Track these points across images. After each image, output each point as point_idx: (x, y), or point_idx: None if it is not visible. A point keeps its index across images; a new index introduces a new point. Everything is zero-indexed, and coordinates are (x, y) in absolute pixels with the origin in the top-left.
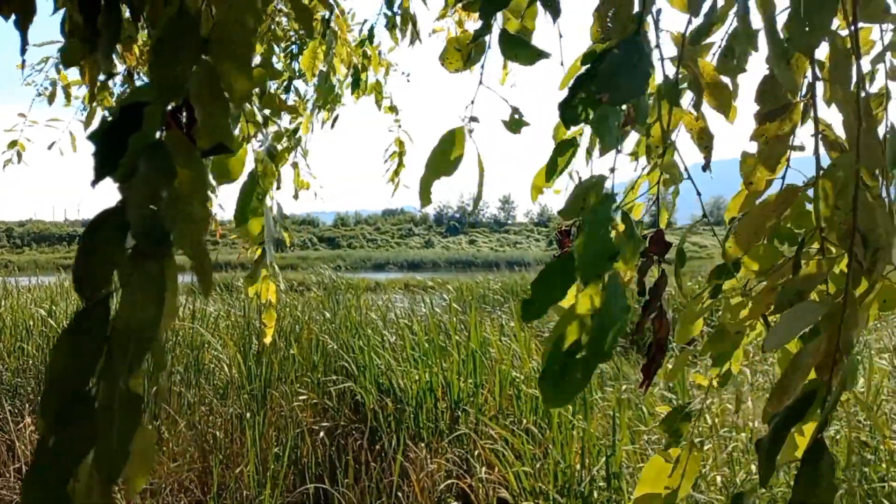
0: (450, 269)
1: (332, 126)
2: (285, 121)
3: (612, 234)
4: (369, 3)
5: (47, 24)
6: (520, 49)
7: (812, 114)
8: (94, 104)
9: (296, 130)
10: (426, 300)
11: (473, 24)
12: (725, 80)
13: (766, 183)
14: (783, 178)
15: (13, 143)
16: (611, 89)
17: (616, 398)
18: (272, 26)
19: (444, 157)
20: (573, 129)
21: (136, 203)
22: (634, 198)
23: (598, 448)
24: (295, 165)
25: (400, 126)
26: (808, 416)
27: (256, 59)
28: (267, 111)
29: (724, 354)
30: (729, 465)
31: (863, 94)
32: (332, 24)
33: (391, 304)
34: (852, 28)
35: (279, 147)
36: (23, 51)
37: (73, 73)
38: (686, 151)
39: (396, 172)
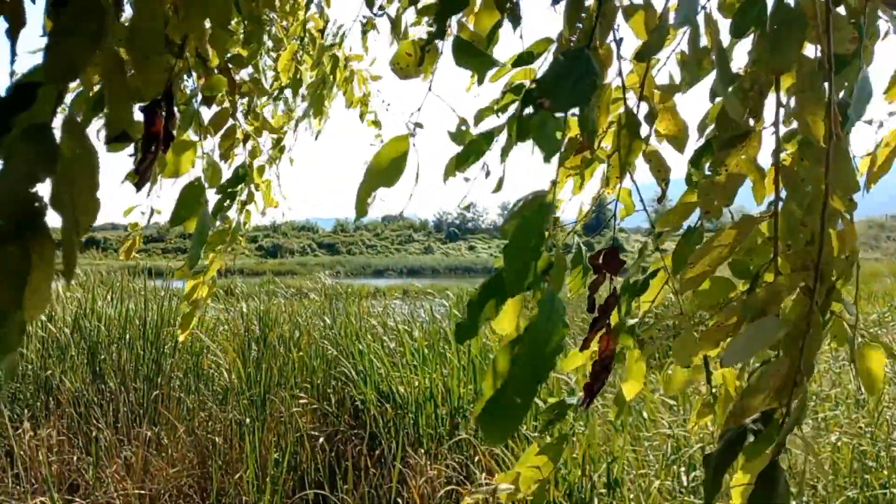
0: (449, 275)
1: (316, 138)
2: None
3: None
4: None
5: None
6: (472, 57)
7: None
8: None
9: (280, 140)
10: (426, 306)
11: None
12: (681, 114)
13: (719, 210)
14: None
15: None
16: (552, 96)
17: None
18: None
19: (385, 167)
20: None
21: (8, 185)
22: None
23: (599, 454)
24: (267, 183)
25: (382, 141)
26: (762, 438)
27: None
28: (250, 127)
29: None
30: (730, 472)
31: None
32: (310, 27)
33: (391, 310)
34: (826, 52)
35: (255, 164)
36: (12, 61)
37: None
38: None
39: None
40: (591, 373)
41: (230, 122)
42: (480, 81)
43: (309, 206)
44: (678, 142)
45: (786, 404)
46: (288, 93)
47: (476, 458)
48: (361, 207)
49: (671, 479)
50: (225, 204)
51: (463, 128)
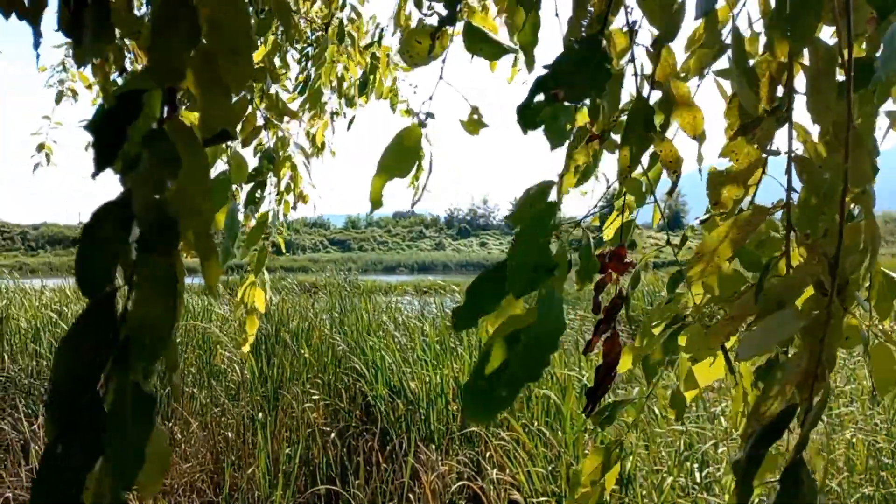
0: (461, 272)
1: (348, 128)
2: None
3: (554, 245)
4: (385, 8)
5: None
6: (484, 43)
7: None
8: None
9: (314, 137)
10: (437, 302)
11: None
12: (698, 101)
13: (732, 202)
14: (752, 197)
15: (41, 147)
16: (566, 86)
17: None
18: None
19: (398, 157)
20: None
21: (141, 194)
22: (619, 221)
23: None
24: (295, 175)
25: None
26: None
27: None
28: (268, 114)
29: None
30: (714, 463)
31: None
32: (349, 28)
33: (402, 306)
34: (846, 43)
35: (281, 154)
36: (36, 44)
37: (89, 73)
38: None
39: (416, 177)
40: (595, 377)
41: (248, 108)
42: (531, 67)
43: (320, 202)
44: (694, 131)
45: (807, 399)
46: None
47: (487, 454)
48: (376, 199)
49: (684, 476)
50: (257, 194)
51: (475, 116)
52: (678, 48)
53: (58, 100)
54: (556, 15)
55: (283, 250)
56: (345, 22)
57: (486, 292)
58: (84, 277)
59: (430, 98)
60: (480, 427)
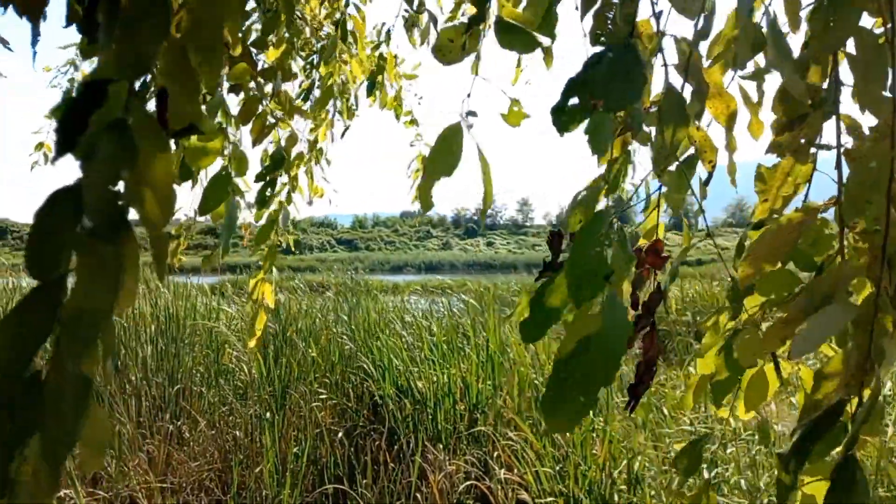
0: (468, 272)
1: (342, 136)
2: (303, 127)
3: (608, 251)
4: (388, 7)
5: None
6: (516, 36)
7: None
8: None
9: (317, 141)
10: (444, 302)
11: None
12: (729, 89)
13: (783, 200)
14: (806, 195)
15: (40, 146)
16: (605, 96)
17: None
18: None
19: (443, 158)
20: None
21: (93, 183)
22: (656, 216)
23: (619, 450)
24: (309, 172)
25: (421, 139)
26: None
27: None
28: (279, 113)
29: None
30: (752, 469)
31: None
32: (349, 26)
33: (409, 305)
34: (888, 25)
35: (294, 152)
36: (34, 41)
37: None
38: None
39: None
40: (636, 373)
41: (259, 108)
42: (550, 64)
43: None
44: (727, 121)
45: (857, 395)
46: (317, 92)
47: (495, 454)
48: (426, 201)
49: (693, 477)
50: (267, 192)
51: (515, 108)
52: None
53: (68, 94)
54: (577, 8)
55: (293, 249)
56: (348, 23)
57: (551, 303)
58: (33, 260)
59: (469, 96)
60: (488, 427)
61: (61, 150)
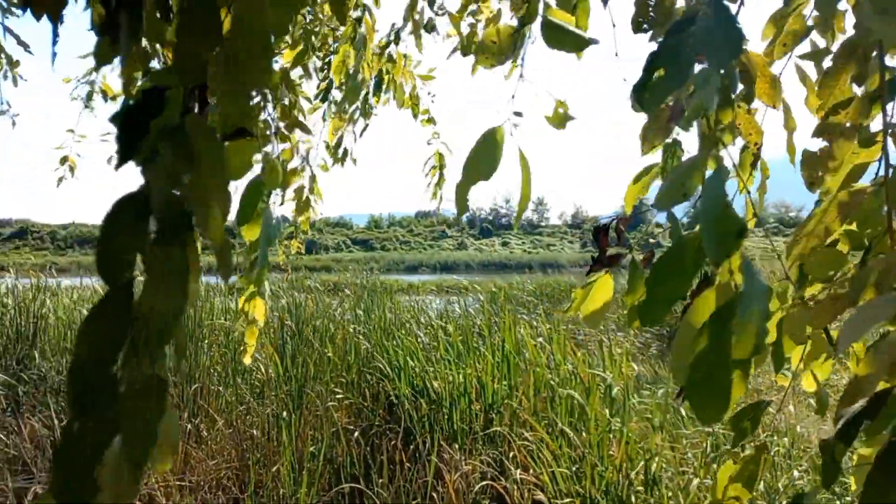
0: (483, 272)
1: (361, 135)
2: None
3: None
4: (395, 9)
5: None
6: (565, 37)
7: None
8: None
9: (339, 144)
10: (460, 302)
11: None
12: (775, 71)
13: (842, 179)
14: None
15: (64, 160)
16: (707, 49)
17: (654, 402)
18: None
19: (483, 161)
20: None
21: (158, 187)
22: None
23: (636, 451)
24: (313, 187)
25: (438, 138)
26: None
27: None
28: (282, 124)
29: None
30: (770, 470)
31: None
32: (362, 28)
33: (425, 305)
34: None
35: (289, 166)
36: (54, 42)
37: (113, 81)
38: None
39: (439, 185)
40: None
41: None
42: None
43: (343, 202)
44: (772, 101)
45: None
46: (336, 94)
47: (511, 454)
48: (462, 203)
49: (711, 478)
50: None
51: (560, 110)
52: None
53: (88, 98)
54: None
55: (289, 257)
56: (359, 25)
57: (673, 278)
58: (103, 266)
59: (513, 97)
60: (503, 427)
61: (123, 157)
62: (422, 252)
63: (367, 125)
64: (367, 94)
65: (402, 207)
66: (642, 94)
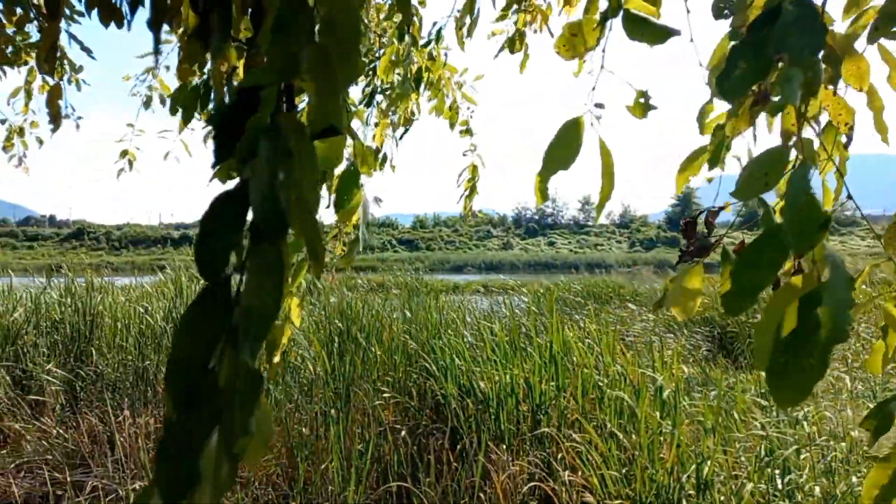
0: (529, 272)
1: (402, 137)
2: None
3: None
4: (439, 8)
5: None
6: (646, 28)
7: None
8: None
9: (379, 149)
10: (506, 302)
11: (531, 28)
12: (863, 53)
13: None
14: None
15: (124, 153)
16: (789, 49)
17: (705, 404)
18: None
19: (562, 151)
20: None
21: (257, 186)
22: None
23: (688, 455)
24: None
25: (475, 150)
26: None
27: None
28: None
29: None
30: (827, 476)
31: None
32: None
33: (470, 305)
34: None
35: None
36: (156, 49)
37: (170, 81)
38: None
39: (470, 197)
40: None
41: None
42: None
43: (388, 202)
44: (860, 83)
45: None
46: (379, 97)
47: (559, 455)
48: (541, 193)
49: (765, 483)
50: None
51: (641, 100)
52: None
53: (147, 104)
54: None
55: (334, 259)
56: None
57: (759, 268)
58: (203, 262)
59: (593, 89)
60: (551, 428)
61: (221, 155)
62: (467, 252)
63: (407, 130)
64: (409, 90)
65: (448, 207)
66: (725, 84)
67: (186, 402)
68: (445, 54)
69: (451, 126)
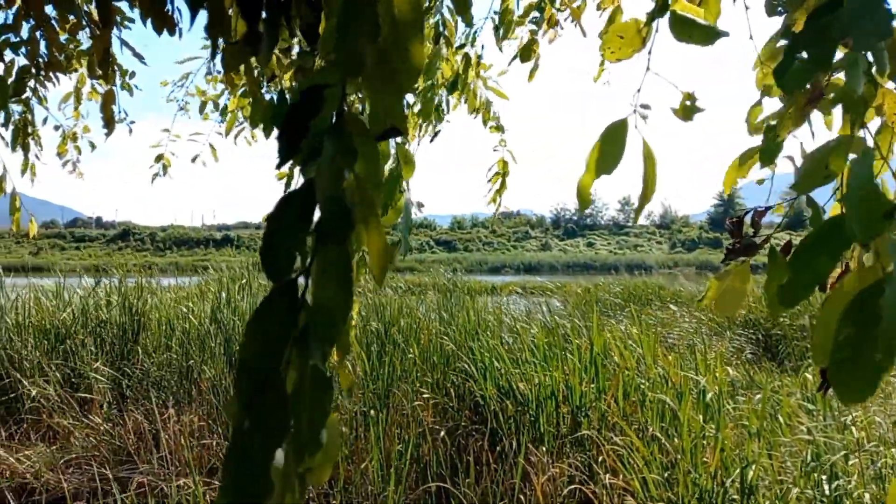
0: (567, 273)
1: (432, 140)
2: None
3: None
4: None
5: (189, 41)
6: (694, 29)
7: None
8: (233, 111)
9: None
10: (544, 303)
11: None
12: None
13: None
14: None
15: (159, 158)
16: (854, 33)
17: (750, 408)
18: None
19: (608, 154)
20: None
21: (323, 186)
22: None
23: (732, 459)
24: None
25: (505, 146)
26: None
27: None
28: None
29: None
30: (877, 482)
31: None
32: (444, 31)
33: (509, 306)
34: None
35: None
36: (213, 55)
37: (205, 86)
38: None
39: (499, 192)
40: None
41: None
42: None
43: (426, 203)
44: None
45: None
46: (409, 98)
47: (600, 458)
48: (585, 197)
49: (811, 488)
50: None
51: (688, 103)
52: None
53: (201, 109)
54: None
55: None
56: (440, 26)
57: (816, 259)
58: (269, 263)
59: (639, 90)
60: (592, 430)
61: (286, 155)
62: (505, 253)
63: (438, 131)
64: (442, 97)
65: (485, 208)
66: (783, 76)
67: (253, 409)
68: (480, 56)
69: (484, 122)
